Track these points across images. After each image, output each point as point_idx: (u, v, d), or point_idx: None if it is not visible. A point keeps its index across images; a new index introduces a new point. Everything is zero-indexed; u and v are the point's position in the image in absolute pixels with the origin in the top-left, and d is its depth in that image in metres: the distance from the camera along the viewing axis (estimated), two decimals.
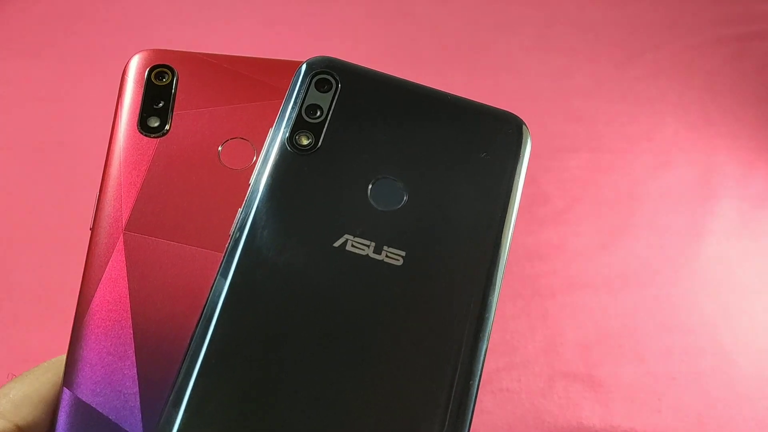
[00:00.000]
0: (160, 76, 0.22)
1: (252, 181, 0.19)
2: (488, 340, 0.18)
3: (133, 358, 0.19)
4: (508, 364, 0.49)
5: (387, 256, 0.19)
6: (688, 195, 0.60)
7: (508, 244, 0.20)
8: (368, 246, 0.19)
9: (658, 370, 0.49)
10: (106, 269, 0.20)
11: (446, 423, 0.17)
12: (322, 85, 0.20)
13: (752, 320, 0.52)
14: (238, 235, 0.18)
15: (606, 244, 0.56)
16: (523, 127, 0.21)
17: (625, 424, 0.46)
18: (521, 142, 0.21)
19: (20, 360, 0.48)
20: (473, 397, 0.18)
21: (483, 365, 0.18)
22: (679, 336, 0.51)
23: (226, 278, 0.18)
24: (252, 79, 0.22)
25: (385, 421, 0.17)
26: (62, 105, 0.68)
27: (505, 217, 0.21)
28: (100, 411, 0.18)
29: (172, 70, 0.22)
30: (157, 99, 0.22)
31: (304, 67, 0.21)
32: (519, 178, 0.21)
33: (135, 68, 0.22)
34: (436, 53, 0.72)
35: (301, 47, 0.72)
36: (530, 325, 0.51)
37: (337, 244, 0.18)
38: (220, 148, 0.22)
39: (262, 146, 0.20)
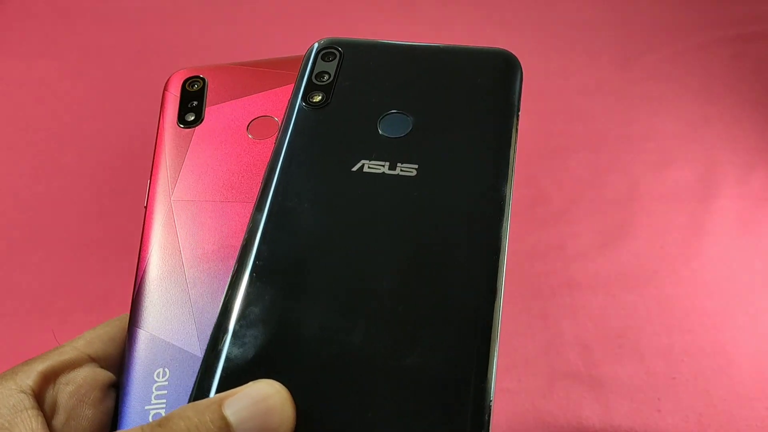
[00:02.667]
0: (192, 84, 0.27)
1: (277, 137, 0.23)
2: (508, 222, 0.20)
3: (188, 293, 0.23)
4: (508, 364, 0.49)
5: (401, 170, 0.21)
6: (688, 195, 0.60)
7: (513, 142, 0.22)
8: (383, 165, 0.21)
9: (658, 370, 0.49)
10: (160, 230, 0.24)
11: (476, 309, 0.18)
12: (328, 57, 0.24)
13: (752, 320, 0.52)
14: (268, 177, 0.21)
15: (606, 244, 0.56)
16: (511, 55, 0.24)
17: (625, 424, 0.46)
18: (512, 67, 0.23)
19: (20, 360, 0.48)
20: (502, 275, 0.19)
21: (506, 246, 0.19)
22: (679, 336, 0.51)
23: (261, 211, 0.20)
24: (271, 72, 0.27)
25: (417, 314, 0.18)
26: (62, 105, 0.67)
27: (501, 126, 0.22)
28: (162, 337, 0.22)
29: (203, 79, 0.27)
30: (192, 100, 0.26)
31: (310, 48, 0.24)
32: (509, 96, 0.23)
33: (172, 83, 0.27)
34: None
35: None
36: (530, 325, 0.51)
37: (355, 168, 0.21)
38: (248, 126, 0.26)
39: None
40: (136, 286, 0.23)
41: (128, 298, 0.23)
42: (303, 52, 0.25)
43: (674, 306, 0.53)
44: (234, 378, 0.18)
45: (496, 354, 0.18)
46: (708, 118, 0.67)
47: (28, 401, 0.19)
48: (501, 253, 0.19)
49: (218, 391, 0.18)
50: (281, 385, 0.17)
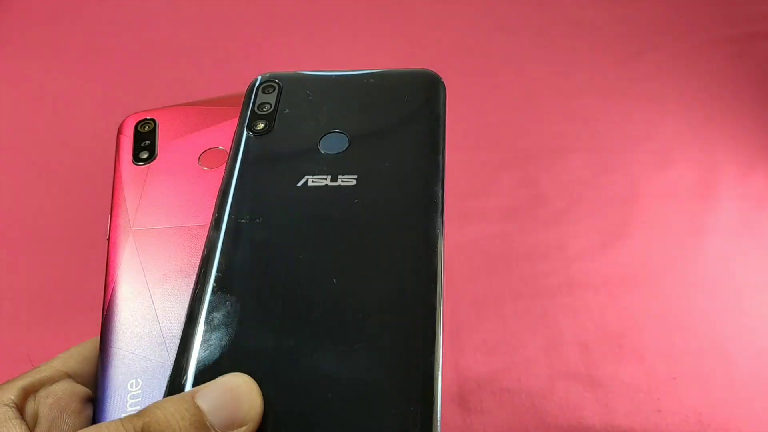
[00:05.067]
0: (144, 125, 0.29)
1: (227, 163, 0.25)
2: (443, 218, 0.22)
3: (155, 310, 0.25)
4: (508, 364, 0.49)
5: (342, 181, 0.23)
6: (688, 194, 0.60)
7: (442, 149, 0.24)
8: (325, 179, 0.23)
9: (658, 370, 0.49)
10: (124, 258, 0.26)
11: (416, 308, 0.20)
12: (267, 89, 0.26)
13: (752, 320, 0.52)
14: (221, 198, 0.23)
15: (606, 244, 0.56)
16: (434, 74, 0.26)
17: (625, 424, 0.46)
18: (435, 84, 0.26)
19: (20, 360, 0.48)
20: (439, 267, 0.21)
21: (443, 240, 0.21)
22: (679, 336, 0.51)
23: (218, 228, 0.22)
24: (216, 109, 0.29)
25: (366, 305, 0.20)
26: (62, 105, 0.68)
27: (430, 135, 0.24)
28: (133, 352, 0.24)
29: (154, 120, 0.29)
30: (144, 140, 0.29)
31: (251, 83, 0.27)
32: (435, 109, 0.25)
33: (126, 125, 0.29)
34: (436, 53, 0.72)
35: (301, 51, 0.72)
36: (530, 325, 0.51)
37: (300, 184, 0.23)
38: (199, 157, 0.28)
39: None
40: (105, 309, 0.25)
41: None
42: (243, 89, 0.28)
43: (674, 306, 0.53)
44: (203, 375, 0.19)
45: (440, 346, 0.20)
46: (709, 118, 0.67)
47: (11, 413, 0.20)
48: (438, 249, 0.21)
49: (190, 386, 0.19)
50: (248, 376, 0.19)
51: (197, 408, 0.18)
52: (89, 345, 0.25)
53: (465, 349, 0.49)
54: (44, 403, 0.22)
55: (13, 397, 0.21)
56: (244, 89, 0.29)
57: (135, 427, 0.17)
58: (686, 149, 0.64)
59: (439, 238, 0.22)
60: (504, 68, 0.71)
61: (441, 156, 0.24)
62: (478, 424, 0.46)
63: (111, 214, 0.28)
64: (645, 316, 0.52)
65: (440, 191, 0.23)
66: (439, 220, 0.22)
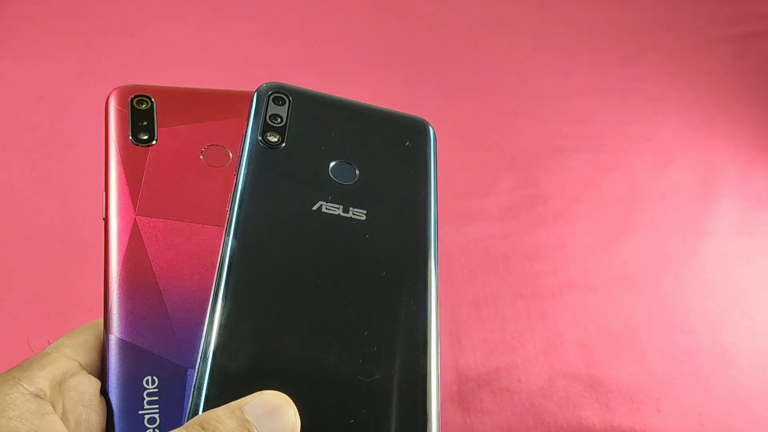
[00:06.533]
0: (140, 102, 0.28)
1: (237, 171, 0.25)
2: (437, 257, 0.25)
3: (165, 307, 0.24)
4: (508, 364, 0.49)
5: (353, 214, 0.25)
6: (688, 195, 0.60)
7: (434, 198, 0.27)
8: (338, 208, 0.25)
9: (658, 370, 0.49)
10: (127, 244, 0.25)
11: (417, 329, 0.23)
12: (278, 101, 0.27)
13: (752, 320, 0.52)
14: (235, 208, 0.24)
15: (606, 244, 0.56)
16: (428, 125, 0.29)
17: (625, 424, 0.46)
18: (429, 134, 0.29)
19: (20, 360, 0.48)
20: (434, 301, 0.24)
21: (436, 277, 0.25)
22: (679, 336, 0.51)
23: (230, 236, 0.23)
24: (219, 103, 0.29)
25: (370, 331, 0.23)
26: (62, 105, 0.68)
27: (428, 183, 0.27)
28: (141, 346, 0.24)
29: (150, 98, 0.28)
30: (142, 119, 0.27)
31: (260, 90, 0.27)
32: (431, 158, 0.28)
33: (117, 98, 0.28)
34: (436, 53, 0.72)
35: (300, 50, 0.72)
36: (530, 325, 0.51)
37: (314, 207, 0.25)
38: (202, 152, 0.27)
39: (237, 150, 0.26)
40: (110, 297, 0.25)
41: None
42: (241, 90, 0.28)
43: (674, 306, 0.53)
44: (234, 388, 0.20)
45: (437, 366, 0.23)
46: (709, 117, 0.67)
47: (47, 406, 0.20)
48: (431, 284, 0.24)
49: (221, 399, 0.20)
50: (287, 397, 0.20)
51: (249, 423, 0.19)
52: (92, 333, 0.24)
53: (465, 349, 0.49)
54: (68, 398, 0.21)
55: (42, 388, 0.20)
56: (239, 88, 0.29)
57: None
58: (686, 149, 0.64)
59: (435, 277, 0.25)
60: (504, 68, 0.71)
61: (436, 203, 0.27)
62: (478, 424, 0.46)
63: (107, 191, 0.27)
64: (645, 316, 0.52)
65: (435, 237, 0.26)
66: (434, 265, 0.25)
